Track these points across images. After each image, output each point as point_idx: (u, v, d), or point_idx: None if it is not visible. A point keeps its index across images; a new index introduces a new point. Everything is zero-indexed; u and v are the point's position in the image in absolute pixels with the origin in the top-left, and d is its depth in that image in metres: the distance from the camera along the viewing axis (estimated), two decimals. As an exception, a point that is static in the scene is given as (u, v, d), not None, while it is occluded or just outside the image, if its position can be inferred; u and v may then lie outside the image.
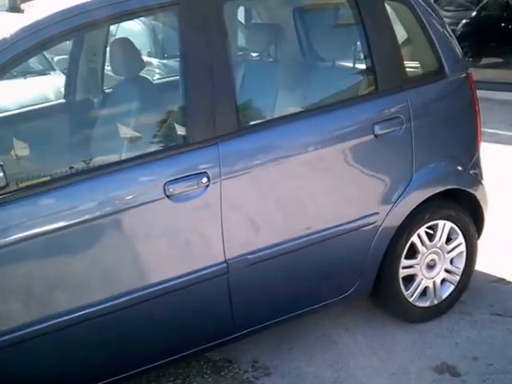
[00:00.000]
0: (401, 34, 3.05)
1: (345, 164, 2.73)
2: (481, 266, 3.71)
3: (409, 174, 2.89)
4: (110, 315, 2.35)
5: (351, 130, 2.75)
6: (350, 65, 3.09)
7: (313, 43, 2.98)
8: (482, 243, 3.71)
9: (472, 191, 3.12)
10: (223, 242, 2.47)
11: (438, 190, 2.99)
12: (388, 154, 2.84)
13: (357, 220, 2.78)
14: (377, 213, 2.83)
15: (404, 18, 2.98)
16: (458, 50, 3.09)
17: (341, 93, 2.92)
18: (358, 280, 2.90)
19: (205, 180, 2.37)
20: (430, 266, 3.14)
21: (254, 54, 3.38)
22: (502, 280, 3.60)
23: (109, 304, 2.34)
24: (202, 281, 2.45)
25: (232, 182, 2.44)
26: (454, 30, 9.52)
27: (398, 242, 2.96)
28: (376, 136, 2.76)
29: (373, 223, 2.82)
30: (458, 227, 3.15)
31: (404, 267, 3.05)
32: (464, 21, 10.31)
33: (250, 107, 2.64)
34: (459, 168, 3.07)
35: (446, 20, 3.30)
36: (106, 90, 3.47)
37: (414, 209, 2.93)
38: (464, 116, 3.10)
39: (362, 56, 2.88)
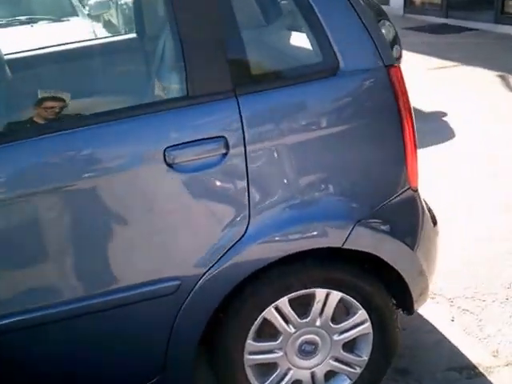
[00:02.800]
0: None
1: (108, 206, 1.80)
2: (455, 337, 2.57)
3: (241, 224, 1.86)
4: None
5: (121, 156, 1.78)
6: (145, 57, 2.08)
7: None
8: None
9: (376, 253, 2.01)
10: None
11: (298, 250, 1.94)
12: (198, 192, 1.83)
13: (130, 289, 1.84)
14: (176, 278, 1.87)
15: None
16: (375, 37, 1.91)
17: (113, 99, 1.95)
18: (158, 375, 1.99)
19: None
20: (307, 352, 2.12)
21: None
22: (466, 369, 2.41)
23: None
24: None
25: None
26: None
27: (237, 318, 1.99)
28: (171, 166, 1.79)
29: (169, 293, 1.86)
30: (357, 300, 2.07)
31: (255, 352, 2.07)
32: None
33: None
34: (351, 215, 1.96)
35: None
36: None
37: (262, 272, 1.93)
38: (373, 130, 1.96)
39: (166, 43, 1.88)
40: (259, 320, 2.01)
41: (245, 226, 1.87)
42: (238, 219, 1.86)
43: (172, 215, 1.83)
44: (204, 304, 1.91)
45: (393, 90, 1.93)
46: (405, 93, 1.96)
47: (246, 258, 1.90)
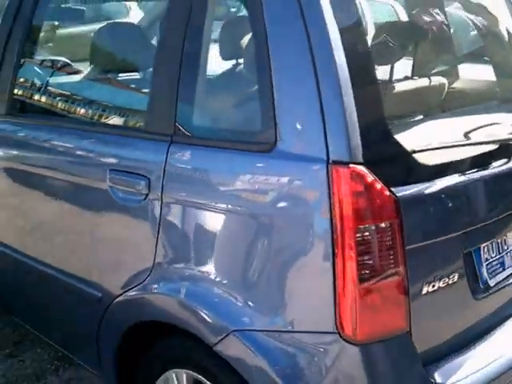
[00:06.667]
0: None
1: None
2: None
3: (145, 270, 1.82)
4: None
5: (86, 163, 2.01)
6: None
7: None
8: None
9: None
10: None
11: (178, 325, 1.74)
12: (120, 221, 1.90)
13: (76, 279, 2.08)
14: (99, 290, 1.98)
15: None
16: (332, 116, 1.47)
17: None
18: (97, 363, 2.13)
19: None
20: None
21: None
22: None
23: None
24: None
25: None
26: None
27: (147, 365, 1.94)
28: (110, 187, 1.87)
29: (95, 301, 2.00)
30: None
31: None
32: None
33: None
34: (231, 320, 1.62)
35: None
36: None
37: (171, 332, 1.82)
38: (289, 241, 1.55)
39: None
40: (163, 378, 1.91)
41: (147, 274, 1.82)
42: (144, 264, 1.83)
43: (99, 233, 1.96)
44: (112, 327, 1.97)
45: (329, 200, 1.46)
46: (354, 214, 1.45)
47: (139, 304, 1.86)
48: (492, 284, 1.80)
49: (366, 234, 1.46)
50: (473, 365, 1.69)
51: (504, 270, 1.86)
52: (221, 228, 1.66)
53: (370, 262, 1.47)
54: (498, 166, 1.76)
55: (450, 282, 1.65)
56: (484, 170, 1.72)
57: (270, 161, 1.56)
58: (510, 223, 1.87)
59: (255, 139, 1.61)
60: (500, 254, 1.85)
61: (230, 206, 1.64)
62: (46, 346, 2.81)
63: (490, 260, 1.81)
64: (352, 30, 1.55)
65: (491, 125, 1.90)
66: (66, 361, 2.75)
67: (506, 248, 1.87)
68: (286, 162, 1.53)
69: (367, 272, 1.47)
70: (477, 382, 1.66)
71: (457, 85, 2.34)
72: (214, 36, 1.78)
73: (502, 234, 1.85)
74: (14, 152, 2.33)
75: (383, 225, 1.48)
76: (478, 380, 1.66)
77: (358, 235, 1.45)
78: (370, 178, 1.47)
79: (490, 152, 1.76)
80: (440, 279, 1.62)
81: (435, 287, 1.61)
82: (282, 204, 1.55)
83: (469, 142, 1.74)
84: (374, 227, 1.47)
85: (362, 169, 1.46)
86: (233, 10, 1.89)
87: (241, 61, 1.88)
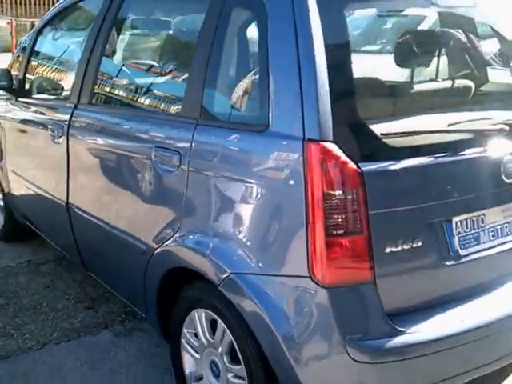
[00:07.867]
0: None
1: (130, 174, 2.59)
2: None
3: (175, 225, 2.28)
4: None
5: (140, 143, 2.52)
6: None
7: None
8: None
9: (244, 317, 2.02)
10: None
11: (194, 269, 2.18)
12: (159, 187, 2.38)
13: (128, 235, 2.59)
14: (144, 244, 2.47)
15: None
16: (309, 101, 1.86)
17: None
18: (144, 306, 2.61)
19: None
20: (214, 373, 2.27)
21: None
22: None
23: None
24: None
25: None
26: None
27: (179, 305, 2.39)
28: (154, 160, 2.35)
29: (141, 253, 2.48)
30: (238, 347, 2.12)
31: (187, 341, 2.40)
32: None
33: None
34: (231, 264, 2.05)
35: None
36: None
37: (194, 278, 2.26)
38: (274, 204, 1.97)
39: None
40: (189, 318, 2.34)
41: (176, 228, 2.27)
42: (175, 221, 2.29)
43: (145, 197, 2.46)
44: (152, 274, 2.44)
45: (303, 170, 1.84)
46: (322, 181, 1.82)
47: (169, 254, 2.32)
48: (463, 254, 2.07)
49: (333, 198, 1.83)
50: (437, 321, 1.97)
51: (478, 244, 2.12)
52: (226, 193, 2.09)
53: (336, 221, 1.83)
54: (466, 153, 2.06)
55: (415, 245, 1.95)
56: (450, 155, 2.02)
57: (264, 139, 1.97)
58: (488, 203, 2.13)
59: (255, 122, 2.03)
60: (475, 229, 2.11)
61: (236, 176, 2.06)
62: (117, 302, 3.36)
63: (463, 234, 2.08)
64: (334, 42, 1.93)
65: (478, 120, 2.19)
66: (132, 314, 3.28)
67: (483, 225, 2.13)
68: (275, 139, 1.94)
69: (333, 229, 1.83)
70: (438, 336, 1.94)
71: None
72: (232, 47, 2.21)
73: (478, 212, 2.12)
74: (92, 133, 2.89)
75: (347, 191, 1.83)
76: (441, 334, 1.95)
77: (325, 199, 1.82)
78: (337, 152, 1.83)
79: (460, 140, 2.05)
80: (404, 242, 1.93)
81: (399, 248, 1.92)
82: (272, 173, 1.95)
83: (439, 129, 2.05)
84: (339, 193, 1.83)
85: (330, 145, 1.83)
86: (246, 30, 2.31)
87: (249, 66, 2.28)
